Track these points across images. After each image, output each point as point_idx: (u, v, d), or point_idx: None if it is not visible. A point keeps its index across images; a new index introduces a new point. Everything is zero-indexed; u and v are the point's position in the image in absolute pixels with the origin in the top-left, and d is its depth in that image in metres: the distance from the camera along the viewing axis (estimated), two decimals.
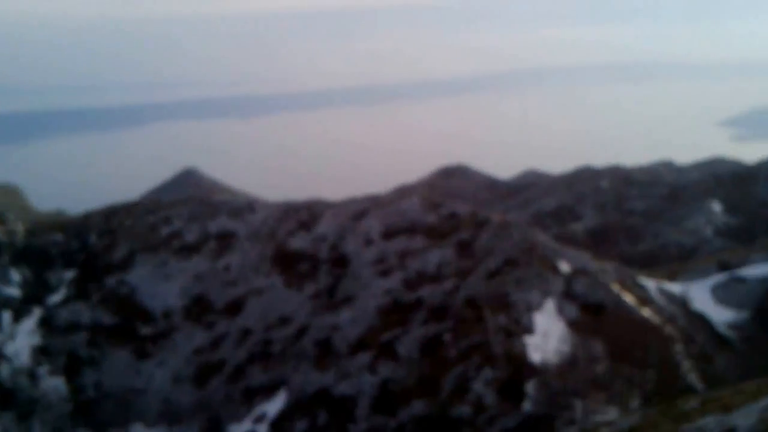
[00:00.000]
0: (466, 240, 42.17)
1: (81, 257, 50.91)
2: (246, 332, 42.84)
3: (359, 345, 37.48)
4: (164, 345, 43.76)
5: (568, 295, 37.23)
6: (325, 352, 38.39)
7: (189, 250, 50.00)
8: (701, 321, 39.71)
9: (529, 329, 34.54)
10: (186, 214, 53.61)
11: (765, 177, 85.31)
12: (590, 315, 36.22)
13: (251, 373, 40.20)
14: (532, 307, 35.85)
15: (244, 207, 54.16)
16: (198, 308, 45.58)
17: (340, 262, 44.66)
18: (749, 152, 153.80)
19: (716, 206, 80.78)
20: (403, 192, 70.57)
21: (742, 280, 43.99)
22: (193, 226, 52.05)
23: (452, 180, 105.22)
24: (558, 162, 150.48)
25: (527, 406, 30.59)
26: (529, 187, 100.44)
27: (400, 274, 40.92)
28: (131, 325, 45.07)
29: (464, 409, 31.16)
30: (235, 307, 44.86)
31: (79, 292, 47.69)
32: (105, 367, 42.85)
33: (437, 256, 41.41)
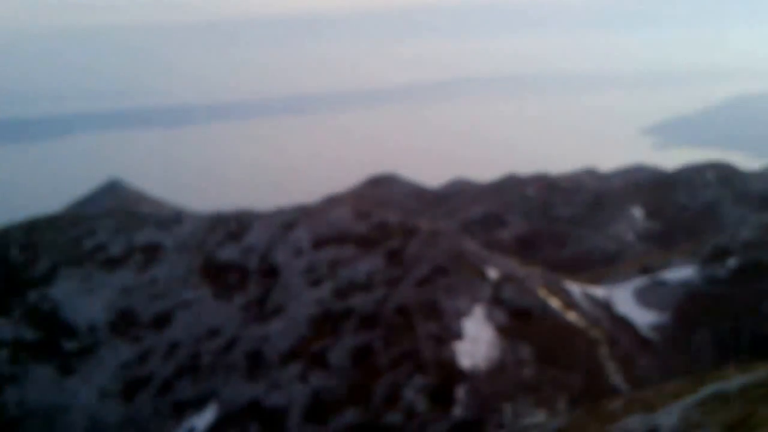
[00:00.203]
0: (395, 248, 42.41)
1: (1, 272, 49.39)
2: (174, 345, 42.16)
3: (290, 355, 37.28)
4: (89, 360, 42.73)
5: (496, 300, 37.76)
6: (256, 364, 38.06)
7: (114, 263, 49.00)
8: (624, 324, 40.76)
9: (458, 335, 34.89)
10: (111, 226, 52.56)
11: (683, 183, 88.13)
12: (518, 320, 36.81)
13: (180, 386, 39.56)
14: (461, 314, 36.23)
15: (171, 218, 53.39)
16: (124, 322, 44.67)
17: (270, 272, 44.39)
18: (668, 159, 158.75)
19: (637, 212, 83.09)
20: (332, 201, 70.60)
21: (663, 284, 45.35)
22: (118, 238, 51.04)
23: (381, 189, 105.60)
24: (485, 170, 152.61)
25: (458, 411, 30.89)
26: (456, 195, 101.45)
27: (331, 284, 40.90)
28: (55, 341, 43.89)
29: (396, 417, 31.28)
30: (162, 320, 44.12)
31: (0, 308, 46.25)
32: (28, 384, 41.59)
33: (367, 265, 41.53)
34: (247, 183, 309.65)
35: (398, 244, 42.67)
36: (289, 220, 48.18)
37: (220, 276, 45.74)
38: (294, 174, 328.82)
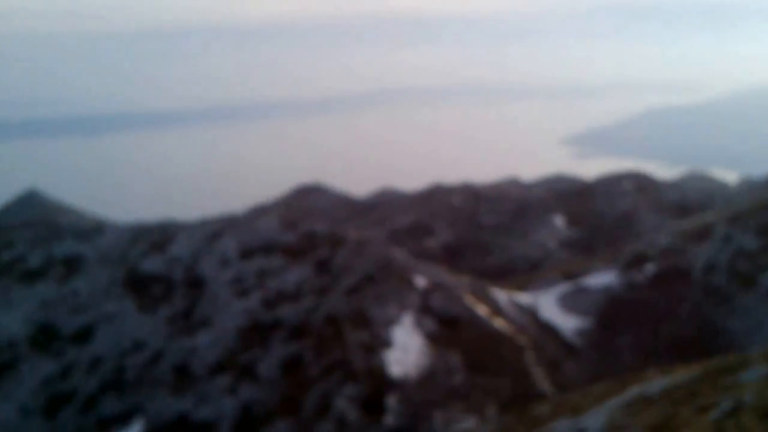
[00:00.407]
0: (324, 258, 42.36)
1: None
2: (97, 360, 41.11)
3: (218, 368, 36.81)
4: (9, 376, 41.30)
5: (424, 309, 38.07)
6: (183, 377, 37.43)
7: (33, 275, 47.57)
8: (550, 329, 41.60)
9: (388, 344, 35.04)
10: (29, 237, 51.03)
11: (602, 192, 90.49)
12: (446, 328, 37.18)
13: (104, 402, 38.59)
14: (390, 322, 36.41)
15: (91, 229, 52.15)
16: (45, 336, 43.34)
17: (196, 283, 43.74)
18: (588, 169, 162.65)
19: (559, 220, 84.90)
20: (259, 211, 70.10)
21: (585, 290, 46.49)
22: (37, 250, 49.58)
23: (308, 198, 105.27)
24: (412, 180, 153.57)
25: (389, 419, 31.00)
26: (384, 204, 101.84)
27: (259, 294, 40.57)
28: None
29: (327, 427, 31.19)
30: (85, 334, 42.97)
31: None
32: None
33: (296, 275, 41.36)
34: (171, 193, 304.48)
35: (326, 254, 42.63)
36: (216, 230, 47.61)
37: (143, 288, 44.84)
38: (220, 184, 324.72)
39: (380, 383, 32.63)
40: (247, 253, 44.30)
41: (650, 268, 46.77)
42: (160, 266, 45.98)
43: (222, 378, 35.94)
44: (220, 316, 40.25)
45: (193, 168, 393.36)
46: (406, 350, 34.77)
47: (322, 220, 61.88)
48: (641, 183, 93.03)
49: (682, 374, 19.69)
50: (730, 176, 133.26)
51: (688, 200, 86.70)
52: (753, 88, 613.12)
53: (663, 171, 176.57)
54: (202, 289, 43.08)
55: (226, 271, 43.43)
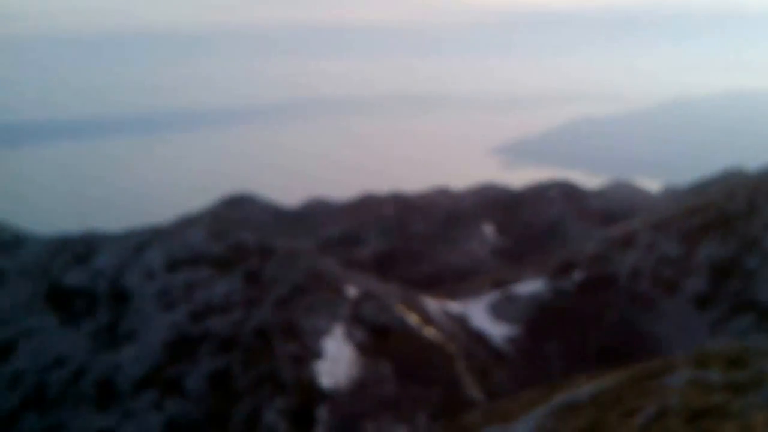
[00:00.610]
0: (253, 269, 41.81)
1: None
2: (18, 376, 39.67)
3: (144, 383, 35.91)
4: None
5: (355, 319, 37.89)
6: (107, 393, 36.40)
7: None
8: (480, 337, 41.87)
9: (318, 355, 34.74)
10: None
11: (530, 201, 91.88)
12: (377, 337, 37.07)
13: (25, 419, 37.25)
14: (320, 333, 36.12)
15: (11, 241, 50.43)
16: None
17: (121, 296, 42.64)
18: (516, 178, 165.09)
19: (488, 229, 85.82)
20: (186, 222, 68.90)
21: (514, 297, 46.98)
22: None
23: (237, 209, 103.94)
24: (342, 189, 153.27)
25: (319, 431, 30.67)
26: (314, 214, 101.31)
27: (186, 307, 39.76)
28: None
29: None
30: (5, 350, 41.45)
31: None
32: None
33: (224, 286, 40.69)
34: (92, 205, 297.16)
35: (256, 265, 42.09)
36: (141, 242, 46.53)
37: (66, 302, 43.51)
38: (146, 195, 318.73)
39: (310, 395, 32.29)
40: (173, 265, 43.40)
41: (577, 275, 47.54)
42: (83, 279, 44.70)
43: (147, 393, 35.07)
44: (145, 330, 39.31)
45: (116, 179, 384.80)
46: (336, 361, 34.52)
47: (251, 230, 61.09)
48: (568, 192, 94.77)
49: (608, 380, 19.93)
50: (653, 185, 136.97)
51: (613, 208, 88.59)
52: (675, 98, 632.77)
53: (588, 180, 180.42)
54: (127, 303, 42.02)
55: (152, 283, 42.46)
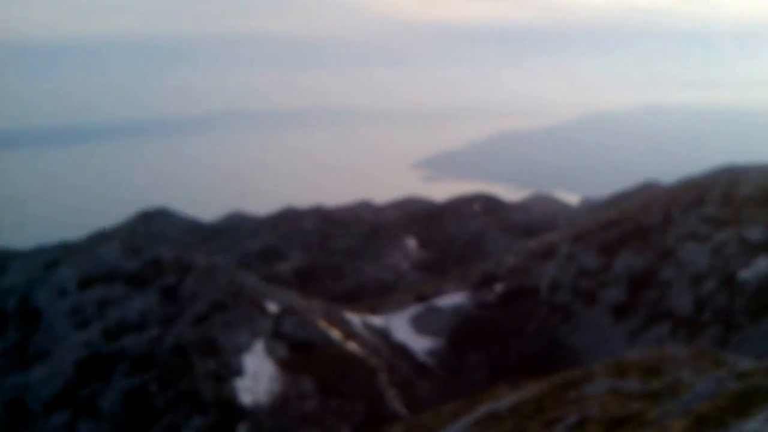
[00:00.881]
0: (170, 285, 40.75)
1: None
2: None
3: (55, 403, 34.51)
4: None
5: (276, 334, 37.30)
6: (17, 414, 34.84)
7: None
8: (402, 350, 41.72)
9: (238, 372, 34.03)
10: None
11: (452, 214, 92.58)
12: (299, 353, 36.56)
13: None
14: (241, 350, 35.42)
15: None
16: None
17: (31, 315, 40.98)
18: (438, 192, 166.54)
19: (411, 242, 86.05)
20: (100, 238, 67.00)
21: (437, 310, 47.03)
22: None
23: (153, 224, 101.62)
24: (262, 204, 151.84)
25: None
26: (233, 229, 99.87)
27: (99, 325, 38.43)
28: None
29: None
30: None
31: None
32: None
33: (140, 303, 39.51)
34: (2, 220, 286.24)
35: (173, 281, 41.03)
36: (52, 258, 44.91)
37: None
38: (57, 210, 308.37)
39: (230, 413, 31.57)
40: (86, 282, 41.94)
41: (499, 287, 47.91)
42: None
43: (59, 414, 33.73)
44: (57, 349, 37.84)
45: (27, 192, 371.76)
46: (257, 378, 33.87)
47: (168, 246, 59.71)
48: (489, 205, 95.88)
49: (529, 390, 19.99)
50: (572, 198, 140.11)
51: (534, 221, 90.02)
52: (594, 113, 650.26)
53: (509, 193, 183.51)
54: (38, 321, 40.41)
55: (64, 301, 40.94)
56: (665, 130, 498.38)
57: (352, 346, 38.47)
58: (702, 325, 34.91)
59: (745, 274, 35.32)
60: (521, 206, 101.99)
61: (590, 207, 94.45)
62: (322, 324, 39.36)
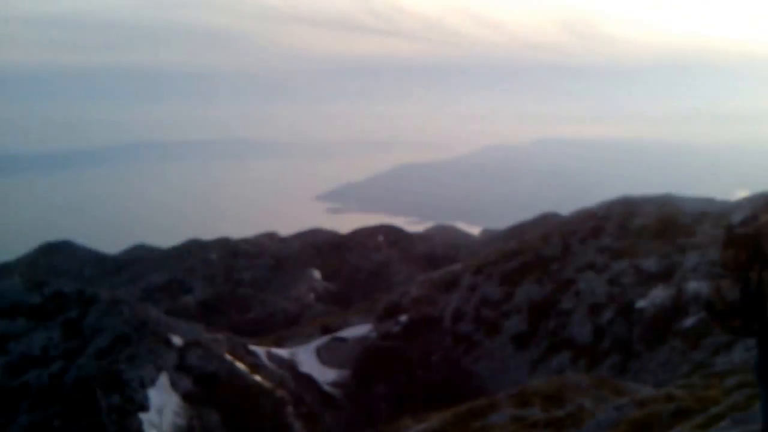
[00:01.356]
0: (73, 319, 40.26)
1: None
2: None
3: None
4: None
5: (181, 367, 37.29)
6: None
7: None
8: (308, 382, 42.21)
9: (143, 406, 33.89)
10: None
11: (356, 245, 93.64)
12: (204, 386, 36.63)
13: None
14: (145, 384, 35.26)
15: None
16: None
17: None
18: (342, 223, 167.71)
19: (316, 274, 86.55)
20: (1, 271, 65.17)
21: (342, 341, 47.75)
22: None
23: (55, 257, 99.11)
24: (166, 236, 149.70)
25: None
26: (137, 261, 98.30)
27: (2, 360, 37.63)
28: None
29: None
30: None
31: None
32: None
33: (42, 337, 38.88)
34: None
35: (76, 315, 40.54)
36: None
37: None
38: None
39: None
40: None
41: (403, 318, 48.87)
42: None
43: None
44: None
45: None
46: (161, 412, 33.79)
47: (71, 279, 58.62)
48: (393, 236, 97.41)
49: (435, 420, 20.86)
50: (473, 229, 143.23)
51: (436, 252, 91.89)
52: (492, 146, 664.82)
53: (412, 225, 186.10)
54: None
55: None
56: (561, 162, 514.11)
57: (258, 378, 38.79)
58: (601, 354, 36.06)
59: (642, 303, 36.88)
60: (424, 237, 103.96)
61: (491, 238, 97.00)
62: (228, 356, 39.56)
